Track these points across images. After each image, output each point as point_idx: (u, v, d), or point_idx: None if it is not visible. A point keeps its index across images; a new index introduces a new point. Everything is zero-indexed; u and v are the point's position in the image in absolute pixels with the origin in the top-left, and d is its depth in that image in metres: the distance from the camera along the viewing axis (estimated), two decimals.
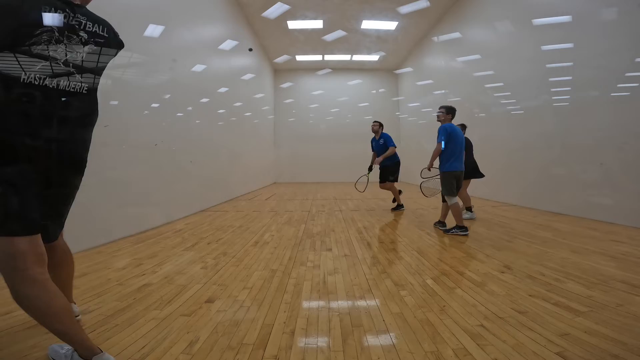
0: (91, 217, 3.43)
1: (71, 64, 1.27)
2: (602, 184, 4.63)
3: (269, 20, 8.66)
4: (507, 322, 1.72)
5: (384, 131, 5.91)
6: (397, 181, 5.77)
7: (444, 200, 4.21)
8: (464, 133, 4.78)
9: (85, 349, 1.28)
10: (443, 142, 3.94)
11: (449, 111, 4.16)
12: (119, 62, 3.86)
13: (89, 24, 1.33)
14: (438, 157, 4.07)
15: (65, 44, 1.24)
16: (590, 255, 2.96)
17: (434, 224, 4.36)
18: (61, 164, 1.31)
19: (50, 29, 1.19)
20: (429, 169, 4.28)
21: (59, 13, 1.22)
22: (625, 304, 1.91)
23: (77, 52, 1.29)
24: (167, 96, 4.98)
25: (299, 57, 12.87)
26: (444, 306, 1.95)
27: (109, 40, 1.41)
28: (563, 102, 5.36)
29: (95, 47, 1.34)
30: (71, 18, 1.26)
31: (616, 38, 4.30)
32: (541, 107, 5.79)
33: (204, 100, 6.47)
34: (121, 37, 1.52)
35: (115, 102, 3.75)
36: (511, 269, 2.62)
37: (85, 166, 1.42)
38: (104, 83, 4.22)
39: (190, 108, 5.81)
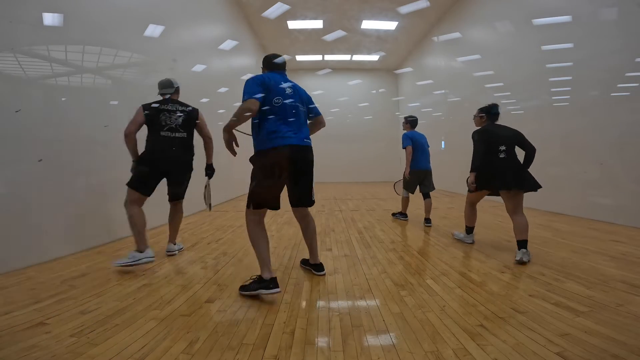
0: (91, 217, 3.43)
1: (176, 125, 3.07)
2: (602, 184, 4.63)
3: (269, 20, 8.67)
4: (507, 322, 1.72)
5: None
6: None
7: (426, 197, 4.54)
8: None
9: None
10: (410, 147, 4.45)
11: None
12: (119, 63, 3.89)
13: (177, 106, 3.12)
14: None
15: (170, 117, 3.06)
16: (590, 255, 2.96)
17: (423, 223, 4.50)
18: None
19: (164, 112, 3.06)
20: (407, 175, 4.52)
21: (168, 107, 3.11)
22: (625, 304, 1.91)
23: (175, 118, 3.06)
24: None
25: (299, 57, 12.87)
26: (444, 306, 1.95)
27: (188, 113, 3.17)
28: (563, 102, 5.35)
29: (183, 115, 3.10)
30: (170, 106, 3.08)
31: (616, 38, 4.30)
32: (541, 107, 5.78)
33: (204, 100, 6.45)
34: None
35: (115, 102, 3.75)
36: (511, 269, 2.62)
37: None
38: (104, 83, 4.18)
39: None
